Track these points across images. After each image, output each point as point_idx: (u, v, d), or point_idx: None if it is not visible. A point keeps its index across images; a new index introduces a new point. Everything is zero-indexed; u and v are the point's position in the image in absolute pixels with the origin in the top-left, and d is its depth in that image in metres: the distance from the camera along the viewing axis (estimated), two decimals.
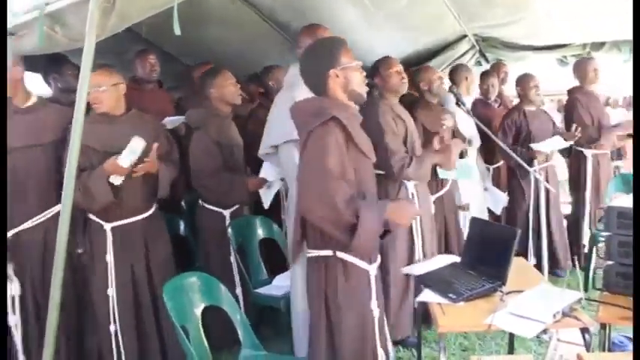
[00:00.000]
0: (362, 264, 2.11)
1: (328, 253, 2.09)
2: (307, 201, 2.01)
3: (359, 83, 2.18)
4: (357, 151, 2.11)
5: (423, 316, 3.24)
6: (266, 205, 3.33)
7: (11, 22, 2.93)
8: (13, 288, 2.64)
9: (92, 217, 2.77)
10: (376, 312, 2.13)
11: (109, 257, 2.74)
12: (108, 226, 2.75)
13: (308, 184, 2.01)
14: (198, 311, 2.29)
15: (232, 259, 3.31)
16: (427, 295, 2.29)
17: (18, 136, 2.66)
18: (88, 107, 2.58)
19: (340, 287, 2.07)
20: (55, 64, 3.45)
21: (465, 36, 4.49)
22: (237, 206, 3.38)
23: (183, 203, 3.91)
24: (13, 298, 2.65)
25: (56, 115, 2.82)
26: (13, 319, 2.65)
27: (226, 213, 3.35)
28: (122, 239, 2.77)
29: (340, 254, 2.08)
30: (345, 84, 2.14)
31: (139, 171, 2.68)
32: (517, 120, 4.30)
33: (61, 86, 3.50)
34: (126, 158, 2.56)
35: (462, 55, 4.62)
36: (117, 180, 2.63)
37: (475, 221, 2.62)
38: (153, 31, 3.89)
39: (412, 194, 3.26)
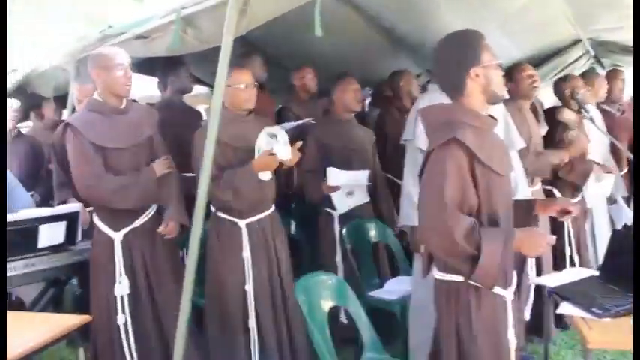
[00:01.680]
0: (497, 289, 1.85)
1: (459, 278, 1.83)
2: (424, 230, 1.85)
3: (499, 84, 1.95)
4: (485, 170, 1.83)
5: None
6: (340, 210, 3.33)
7: (146, 26, 3.08)
8: (123, 287, 2.70)
9: (223, 215, 2.81)
10: (513, 341, 1.88)
11: (246, 253, 2.79)
12: (243, 223, 2.81)
13: (424, 213, 1.82)
14: (326, 309, 2.32)
15: (338, 259, 3.33)
16: (567, 308, 2.19)
17: (119, 136, 2.71)
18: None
19: (474, 317, 1.82)
20: (173, 67, 3.59)
21: (578, 40, 4.30)
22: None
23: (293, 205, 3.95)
24: (122, 298, 2.70)
25: (144, 114, 2.87)
26: (122, 318, 2.70)
27: (335, 214, 3.38)
28: (256, 235, 2.83)
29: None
30: (486, 85, 1.89)
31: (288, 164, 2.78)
32: None
33: (177, 88, 3.65)
34: (284, 150, 2.65)
35: (575, 60, 4.42)
36: (266, 176, 2.72)
37: (617, 234, 2.49)
38: (260, 34, 3.98)
39: None
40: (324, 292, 2.32)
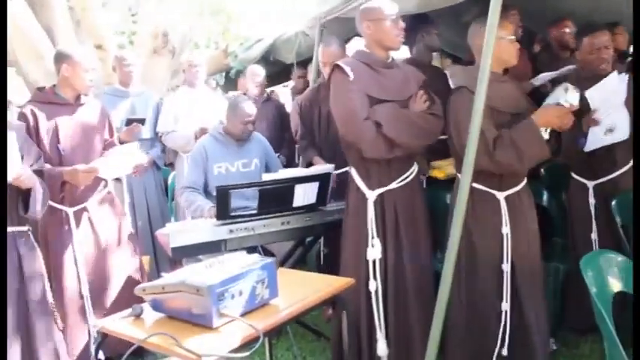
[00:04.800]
0: None
1: None
2: None
3: None
4: None
5: None
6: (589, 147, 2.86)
7: None
8: (375, 250, 2.59)
9: (479, 186, 2.52)
10: None
11: (506, 230, 2.51)
12: (501, 196, 2.53)
13: None
14: (614, 291, 2.00)
15: (594, 236, 2.96)
16: None
17: (386, 89, 2.59)
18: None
19: None
20: (424, 23, 3.46)
21: None
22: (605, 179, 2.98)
23: (542, 171, 3.59)
24: (374, 262, 2.60)
25: (410, 72, 2.73)
26: (373, 285, 2.60)
27: (590, 185, 3.01)
28: (514, 209, 2.55)
29: None
30: None
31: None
32: None
33: (426, 45, 3.53)
34: (575, 97, 2.39)
35: None
36: (545, 134, 2.47)
37: None
38: None
39: None
40: (613, 273, 2.00)
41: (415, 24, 3.41)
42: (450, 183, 2.80)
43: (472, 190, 2.51)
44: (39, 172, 2.56)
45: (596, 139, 2.86)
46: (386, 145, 2.52)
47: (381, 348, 2.60)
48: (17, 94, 5.52)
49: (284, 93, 6.61)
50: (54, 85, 2.99)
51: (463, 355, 2.56)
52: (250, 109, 3.38)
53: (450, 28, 3.96)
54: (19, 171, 2.31)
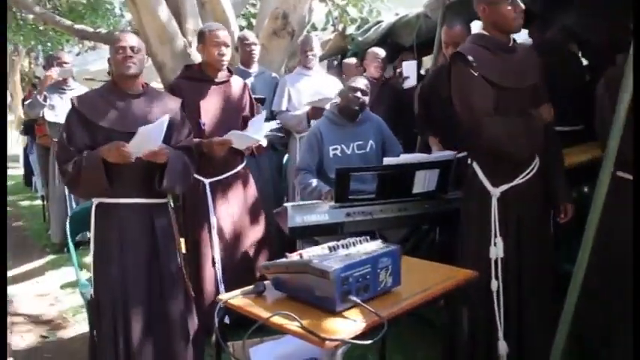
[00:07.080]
0: None
1: None
2: None
3: None
4: None
5: None
6: None
7: None
8: (498, 249, 2.45)
9: (624, 174, 2.34)
10: None
11: None
12: None
13: None
14: None
15: None
16: None
17: (508, 74, 2.44)
18: None
19: None
20: (563, 4, 3.22)
21: None
22: None
23: None
24: (496, 261, 2.46)
25: (530, 57, 2.56)
26: (495, 284, 2.46)
27: None
28: None
29: None
30: None
31: None
32: None
33: (565, 27, 3.30)
34: None
35: None
36: None
37: None
38: None
39: None
40: None
41: (551, 2, 3.19)
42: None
43: (619, 179, 2.36)
44: (187, 149, 2.63)
45: None
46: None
47: (502, 347, 2.49)
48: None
49: None
50: (200, 63, 3.18)
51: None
52: (360, 81, 3.36)
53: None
54: (151, 147, 2.36)
